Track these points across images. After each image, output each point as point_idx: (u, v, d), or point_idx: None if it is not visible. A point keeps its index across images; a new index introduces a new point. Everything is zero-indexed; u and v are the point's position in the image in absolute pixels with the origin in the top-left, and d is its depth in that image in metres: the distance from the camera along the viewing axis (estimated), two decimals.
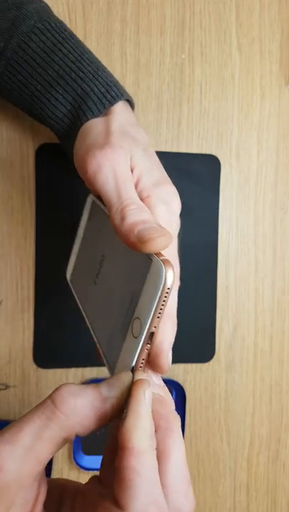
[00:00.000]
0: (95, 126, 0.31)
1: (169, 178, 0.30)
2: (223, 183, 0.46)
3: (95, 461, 0.44)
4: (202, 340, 0.46)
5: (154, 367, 0.24)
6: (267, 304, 0.48)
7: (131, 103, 0.34)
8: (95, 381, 0.43)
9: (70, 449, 0.44)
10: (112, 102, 0.31)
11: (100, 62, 0.34)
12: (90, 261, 0.33)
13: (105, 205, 0.27)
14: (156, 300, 0.21)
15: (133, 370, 0.22)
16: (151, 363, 0.24)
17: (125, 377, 0.22)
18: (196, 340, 0.46)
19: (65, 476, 0.44)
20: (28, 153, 0.42)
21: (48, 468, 0.42)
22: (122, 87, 0.33)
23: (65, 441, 0.21)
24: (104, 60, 0.43)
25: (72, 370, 0.43)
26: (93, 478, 0.23)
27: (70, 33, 0.34)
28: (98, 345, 0.28)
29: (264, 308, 0.48)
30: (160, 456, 0.20)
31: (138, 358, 0.22)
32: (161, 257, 0.22)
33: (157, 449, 0.20)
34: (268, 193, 0.47)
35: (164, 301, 0.21)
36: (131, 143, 0.29)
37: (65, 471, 0.44)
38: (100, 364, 0.44)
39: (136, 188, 0.28)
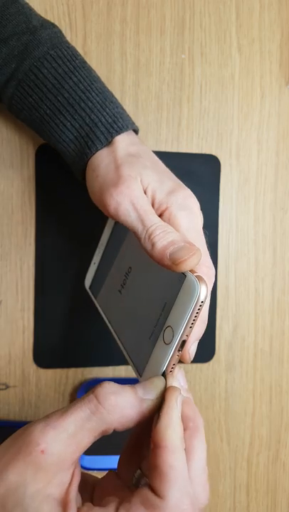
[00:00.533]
0: (102, 159, 0.32)
1: (180, 181, 0.32)
2: (223, 183, 0.46)
3: (95, 461, 0.44)
4: (202, 340, 0.46)
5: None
6: (267, 304, 0.48)
7: (135, 130, 0.35)
8: (95, 381, 0.43)
9: None
10: (119, 131, 0.32)
11: (108, 91, 0.35)
12: (115, 272, 0.35)
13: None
14: (190, 312, 0.23)
15: (164, 374, 0.25)
16: None
17: (158, 382, 0.24)
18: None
19: None
20: (28, 153, 0.42)
21: None
22: (127, 117, 0.34)
23: (103, 433, 0.23)
24: (104, 60, 0.43)
25: (73, 370, 0.43)
26: (110, 473, 0.27)
27: (81, 61, 0.35)
28: (123, 348, 0.30)
29: (264, 308, 0.48)
30: (187, 453, 0.23)
31: (169, 363, 0.24)
32: (195, 274, 0.24)
33: (184, 446, 0.23)
34: (268, 193, 0.47)
35: (197, 313, 0.23)
36: (138, 166, 0.30)
37: None
38: (102, 364, 0.44)
39: (153, 205, 0.30)
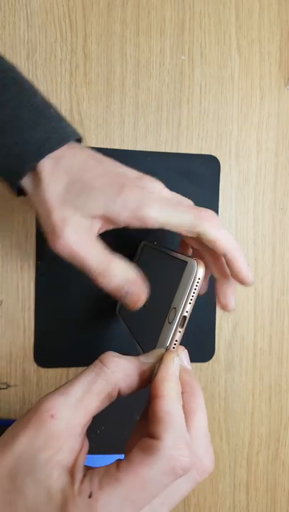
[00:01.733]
0: (34, 199, 0.31)
1: (128, 177, 0.31)
2: (223, 184, 0.46)
3: (94, 460, 0.44)
4: (202, 339, 0.46)
5: (238, 278, 0.30)
6: (266, 303, 0.48)
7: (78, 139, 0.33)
8: None
9: None
10: (52, 150, 0.30)
11: (43, 103, 0.32)
12: None
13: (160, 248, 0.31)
14: (189, 288, 0.26)
15: (166, 350, 0.27)
16: (235, 276, 0.30)
17: (158, 351, 0.26)
18: (196, 340, 0.46)
19: None
20: None
21: None
22: (64, 132, 0.31)
23: (110, 397, 0.24)
24: (104, 61, 0.43)
25: (73, 370, 0.44)
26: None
27: (11, 78, 0.31)
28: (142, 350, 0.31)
29: (263, 308, 0.48)
30: (186, 416, 0.23)
31: (172, 339, 0.26)
32: (194, 258, 0.27)
33: (183, 409, 0.23)
34: (267, 193, 0.47)
35: (195, 288, 0.26)
36: (73, 197, 0.29)
37: None
38: None
39: (114, 223, 0.29)
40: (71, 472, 0.22)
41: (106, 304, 0.43)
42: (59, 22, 0.42)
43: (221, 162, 0.46)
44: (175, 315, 0.27)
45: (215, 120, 0.46)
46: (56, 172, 0.30)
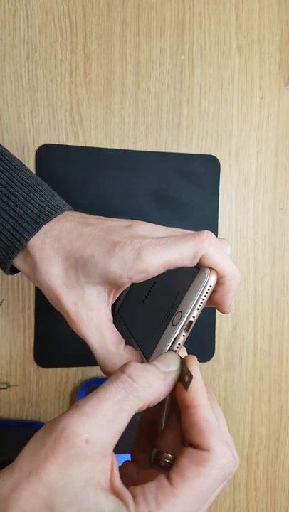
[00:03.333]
0: (38, 281, 0.31)
1: (123, 229, 0.29)
2: (223, 184, 0.46)
3: None
4: (202, 339, 0.46)
5: (219, 305, 0.29)
6: (266, 303, 0.48)
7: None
8: (96, 381, 0.43)
9: None
10: (47, 219, 0.30)
11: (33, 179, 0.32)
12: (139, 291, 0.36)
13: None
14: (199, 294, 0.26)
15: (169, 351, 0.26)
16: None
17: (172, 355, 0.26)
18: (196, 340, 0.46)
19: None
20: (28, 154, 0.42)
21: None
22: (56, 204, 0.32)
23: (138, 412, 0.24)
24: (104, 61, 0.43)
25: (73, 370, 0.44)
26: (125, 464, 0.27)
27: None
28: (143, 354, 0.31)
29: (263, 307, 0.48)
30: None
31: (174, 341, 0.26)
32: (208, 266, 0.27)
33: None
34: (267, 193, 0.47)
35: (205, 295, 0.26)
36: (74, 278, 0.29)
37: None
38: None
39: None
40: (115, 493, 0.21)
41: None
42: (59, 22, 0.42)
43: (221, 162, 0.46)
44: (180, 318, 0.26)
45: (215, 120, 0.46)
46: (48, 250, 0.30)
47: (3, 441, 0.42)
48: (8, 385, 0.43)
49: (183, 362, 0.25)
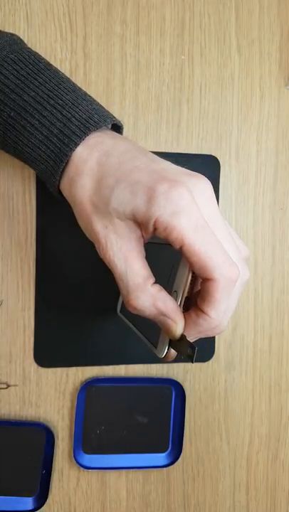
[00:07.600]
0: (71, 192, 0.29)
1: (160, 171, 0.27)
2: (223, 184, 0.46)
3: (95, 459, 0.44)
4: (201, 339, 0.46)
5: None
6: (266, 303, 0.48)
7: (118, 126, 0.32)
8: (96, 381, 0.43)
9: (70, 448, 0.44)
10: (96, 126, 0.29)
11: (80, 90, 0.32)
12: None
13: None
14: (188, 267, 0.27)
15: None
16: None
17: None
18: (196, 340, 0.46)
19: (65, 476, 0.44)
20: None
21: (48, 466, 0.42)
22: (105, 113, 0.31)
23: None
24: (104, 61, 0.43)
25: (73, 369, 0.44)
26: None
27: (45, 64, 0.32)
28: (150, 343, 0.32)
29: (263, 307, 0.48)
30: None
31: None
32: None
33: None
34: (267, 193, 0.47)
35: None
36: (105, 201, 0.27)
37: (66, 470, 0.44)
38: (102, 363, 0.44)
39: (142, 225, 0.27)
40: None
41: (106, 303, 0.43)
42: (59, 22, 0.42)
43: (220, 162, 0.46)
44: (177, 297, 0.28)
45: (215, 120, 0.46)
46: (92, 163, 0.28)
47: (3, 441, 0.42)
48: (8, 385, 0.43)
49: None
